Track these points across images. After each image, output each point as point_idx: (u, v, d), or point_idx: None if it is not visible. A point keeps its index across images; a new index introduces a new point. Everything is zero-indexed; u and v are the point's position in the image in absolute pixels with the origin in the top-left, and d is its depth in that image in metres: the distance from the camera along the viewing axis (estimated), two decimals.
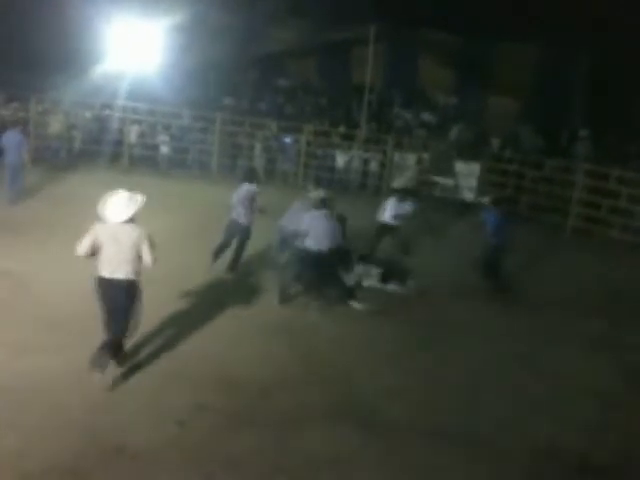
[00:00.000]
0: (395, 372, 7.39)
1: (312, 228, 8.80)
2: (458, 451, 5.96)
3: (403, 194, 11.77)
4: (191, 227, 11.90)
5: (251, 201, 9.77)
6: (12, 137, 12.91)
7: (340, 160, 17.82)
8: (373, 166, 17.74)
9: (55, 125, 17.68)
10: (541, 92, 20.36)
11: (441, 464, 5.76)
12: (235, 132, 18.50)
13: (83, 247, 6.20)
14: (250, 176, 10.17)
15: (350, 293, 9.38)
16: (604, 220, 14.61)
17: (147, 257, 6.23)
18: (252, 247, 10.27)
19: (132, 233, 6.19)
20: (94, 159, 17.32)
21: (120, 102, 17.96)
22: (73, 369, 6.50)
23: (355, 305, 9.21)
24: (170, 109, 18.14)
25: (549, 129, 18.72)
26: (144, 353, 7.07)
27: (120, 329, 6.40)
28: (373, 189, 17.38)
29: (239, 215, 9.78)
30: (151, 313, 7.14)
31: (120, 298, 6.28)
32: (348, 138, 18.46)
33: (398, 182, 15.54)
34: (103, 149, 17.53)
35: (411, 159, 17.49)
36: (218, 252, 9.91)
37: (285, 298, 9.07)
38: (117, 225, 6.18)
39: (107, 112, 18.20)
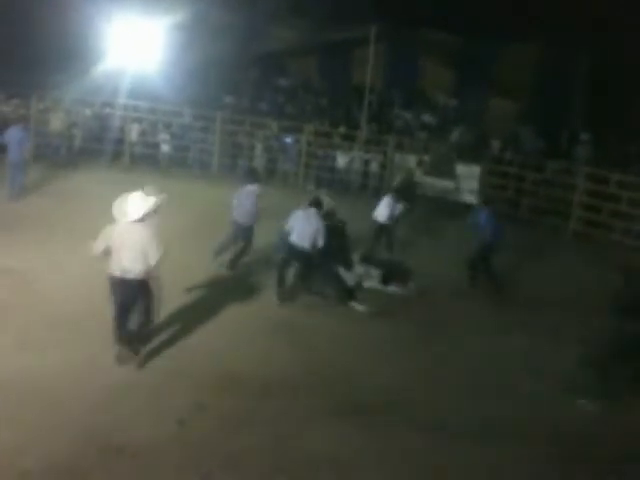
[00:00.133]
0: (395, 372, 7.40)
1: (296, 225, 9.04)
2: (458, 450, 5.96)
3: (399, 194, 11.87)
4: (191, 226, 11.87)
5: (253, 201, 9.81)
6: (14, 134, 12.94)
7: (341, 161, 17.80)
8: (374, 167, 17.72)
9: (56, 123, 17.65)
10: (541, 93, 20.35)
11: (441, 464, 5.76)
12: (236, 131, 18.48)
13: (98, 247, 6.41)
14: (252, 176, 10.36)
15: (351, 294, 9.40)
16: (605, 223, 14.62)
17: (152, 256, 6.37)
18: (253, 247, 10.27)
19: (142, 232, 6.35)
20: (95, 157, 17.30)
21: (121, 100, 17.95)
22: (73, 367, 6.52)
23: (356, 306, 9.21)
24: (171, 107, 18.13)
25: (549, 130, 18.71)
26: (144, 351, 7.06)
27: (141, 324, 6.73)
28: (373, 190, 17.37)
29: (240, 215, 9.80)
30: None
31: (132, 296, 6.50)
32: (349, 139, 18.46)
33: (397, 181, 15.58)
34: (104, 147, 17.52)
35: (412, 160, 17.48)
36: (219, 251, 9.92)
37: (282, 293, 9.11)
38: (129, 224, 6.35)
39: (108, 110, 18.19)
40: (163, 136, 18.26)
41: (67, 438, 5.47)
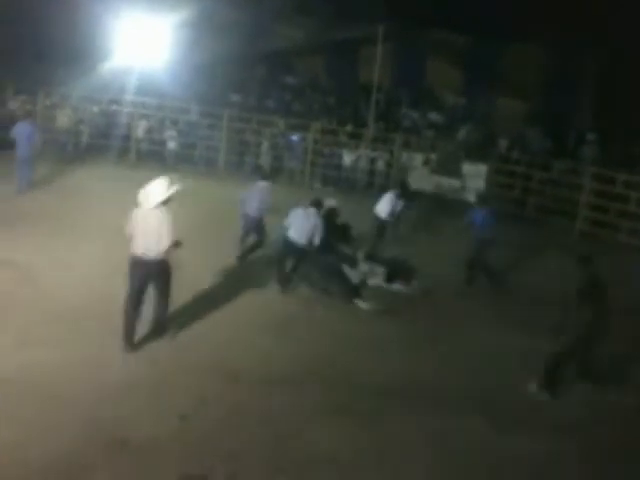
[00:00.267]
0: (396, 371, 7.37)
1: (295, 222, 9.23)
2: (458, 450, 5.94)
3: (401, 191, 11.91)
4: (197, 223, 11.86)
5: (264, 197, 10.10)
6: (23, 129, 13.05)
7: (347, 159, 17.79)
8: (380, 165, 17.70)
9: (63, 119, 17.75)
10: (549, 93, 20.31)
11: (441, 463, 5.74)
12: (242, 129, 18.50)
13: (128, 230, 6.90)
14: (264, 173, 11.31)
15: (355, 292, 9.40)
16: (611, 223, 14.56)
17: (164, 240, 6.79)
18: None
19: (160, 216, 6.80)
20: (102, 153, 17.38)
21: (128, 97, 18.00)
22: (74, 363, 6.52)
23: (360, 304, 9.20)
24: (178, 104, 18.16)
25: (556, 130, 18.66)
26: (147, 346, 7.09)
27: (160, 309, 7.23)
28: (380, 188, 17.33)
29: (252, 209, 10.10)
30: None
31: (152, 276, 6.94)
32: (355, 137, 18.45)
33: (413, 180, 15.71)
34: (111, 144, 17.58)
35: (418, 159, 17.45)
36: (242, 240, 10.30)
37: (285, 282, 9.28)
38: (149, 210, 6.82)
39: (115, 107, 18.25)
40: (170, 133, 18.31)
41: (69, 435, 5.46)
